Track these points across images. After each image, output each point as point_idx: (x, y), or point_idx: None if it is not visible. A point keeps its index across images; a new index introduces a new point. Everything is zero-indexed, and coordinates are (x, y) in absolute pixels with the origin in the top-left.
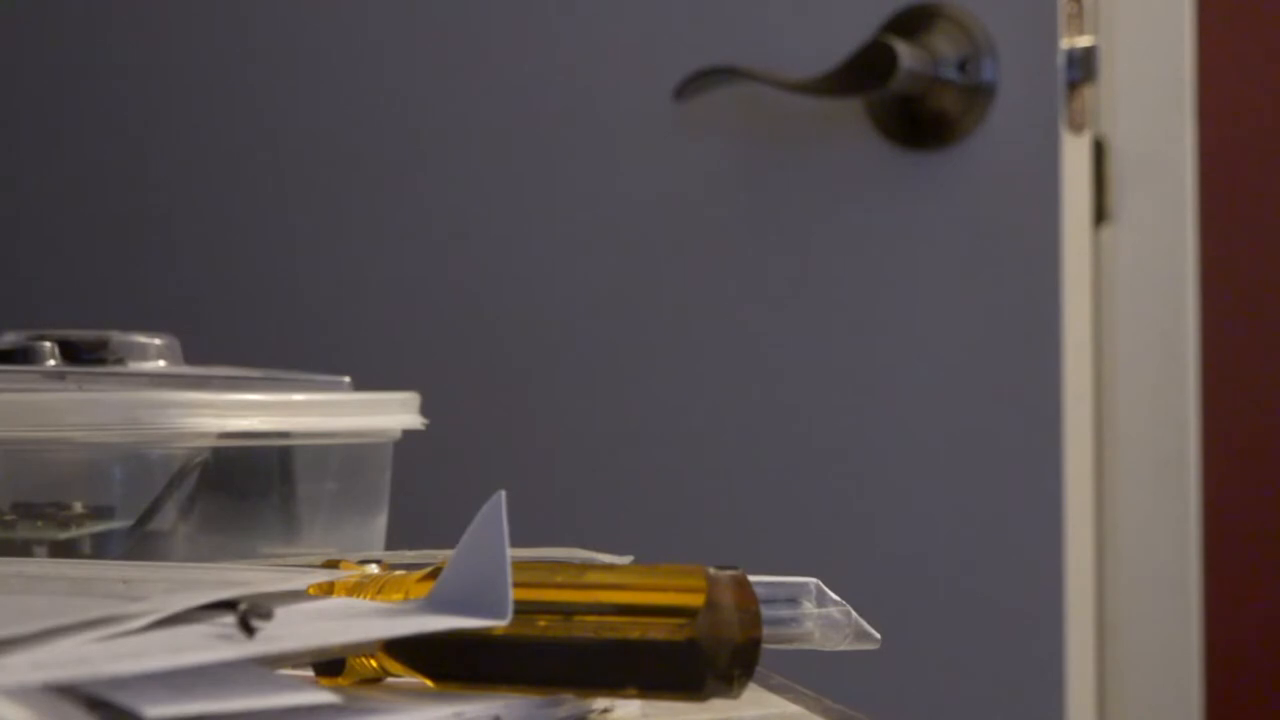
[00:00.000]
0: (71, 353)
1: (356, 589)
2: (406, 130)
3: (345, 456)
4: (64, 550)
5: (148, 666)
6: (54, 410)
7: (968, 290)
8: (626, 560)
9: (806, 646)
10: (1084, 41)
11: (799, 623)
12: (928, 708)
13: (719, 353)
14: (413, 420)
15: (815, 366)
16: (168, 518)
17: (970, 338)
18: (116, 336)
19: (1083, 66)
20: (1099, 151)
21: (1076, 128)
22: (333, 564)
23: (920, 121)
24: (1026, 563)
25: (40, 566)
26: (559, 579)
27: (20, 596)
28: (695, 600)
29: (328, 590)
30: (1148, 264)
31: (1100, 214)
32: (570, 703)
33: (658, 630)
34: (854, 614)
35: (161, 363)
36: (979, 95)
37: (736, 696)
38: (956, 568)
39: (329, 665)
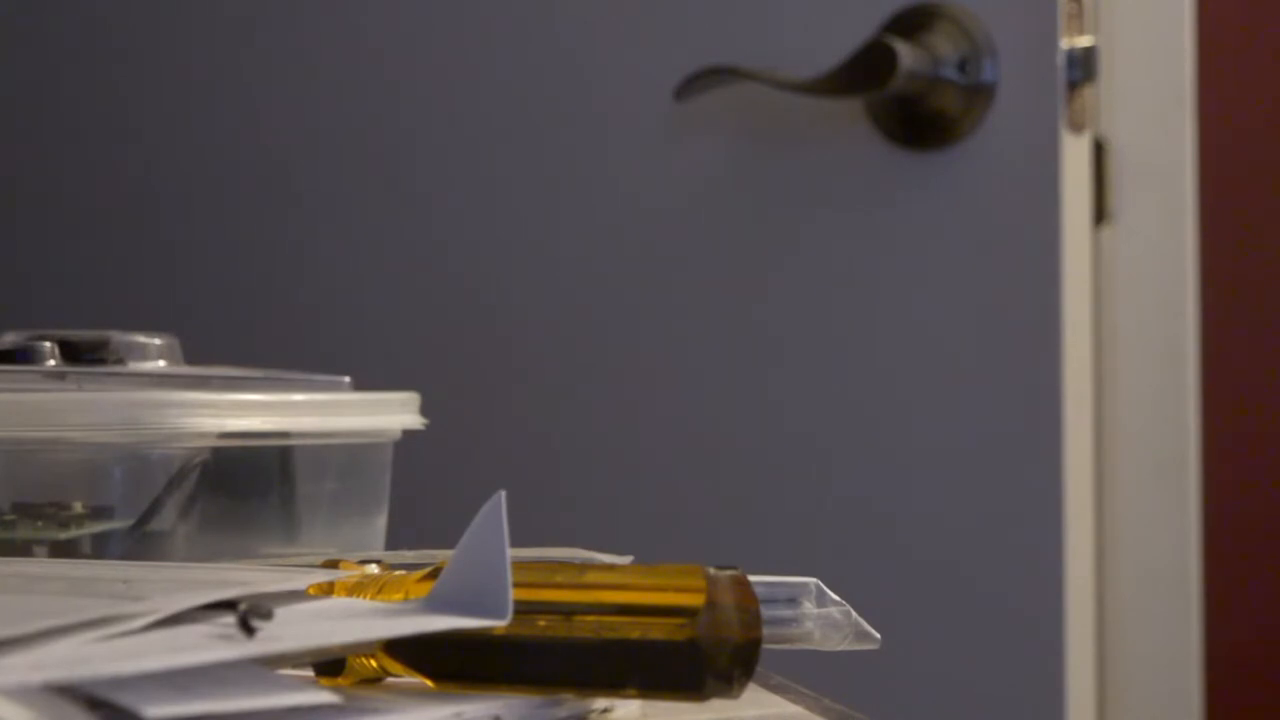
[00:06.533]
0: (71, 353)
1: (356, 589)
2: (406, 130)
3: (345, 456)
4: (64, 550)
5: (148, 666)
6: (54, 410)
7: (968, 290)
8: (626, 560)
9: (806, 646)
10: (1084, 41)
11: (799, 623)
12: (928, 708)
13: (719, 352)
14: (413, 420)
15: (815, 366)
16: (168, 518)
17: (970, 337)
18: (116, 336)
19: (1083, 66)
20: (1099, 151)
21: (1076, 128)
22: (333, 564)
23: (920, 121)
24: (1026, 563)
25: (40, 566)
26: (559, 579)
27: (20, 596)
28: (695, 600)
29: (328, 590)
30: (1148, 264)
31: (1100, 214)
32: (570, 703)
33: (658, 630)
34: (854, 614)
35: (161, 363)
36: (979, 95)
37: (736, 696)
38: (956, 567)
39: (329, 665)
